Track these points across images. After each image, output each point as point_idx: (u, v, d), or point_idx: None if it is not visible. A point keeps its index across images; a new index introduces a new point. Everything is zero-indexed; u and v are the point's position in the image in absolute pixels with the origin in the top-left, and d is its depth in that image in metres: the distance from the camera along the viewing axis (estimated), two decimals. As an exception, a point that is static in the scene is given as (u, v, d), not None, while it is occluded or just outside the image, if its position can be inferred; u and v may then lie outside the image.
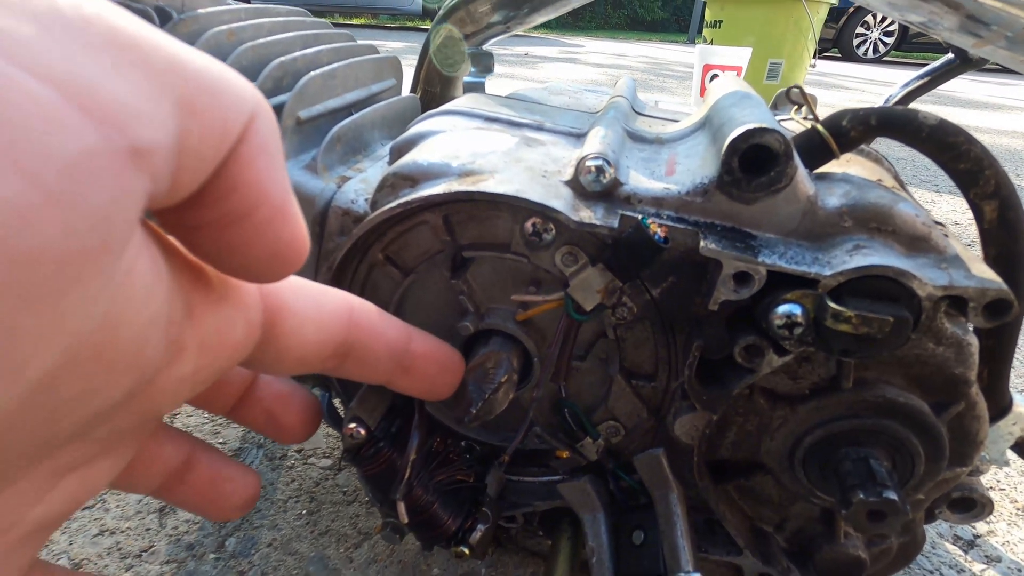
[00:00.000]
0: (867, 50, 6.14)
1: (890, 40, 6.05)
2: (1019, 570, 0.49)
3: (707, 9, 2.50)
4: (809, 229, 0.29)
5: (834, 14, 5.80)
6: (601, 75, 3.79)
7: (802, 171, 0.28)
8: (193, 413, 0.62)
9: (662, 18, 10.59)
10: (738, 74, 1.72)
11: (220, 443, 0.59)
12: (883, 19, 5.90)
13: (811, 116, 0.34)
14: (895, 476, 0.30)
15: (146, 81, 0.11)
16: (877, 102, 0.61)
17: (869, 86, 4.02)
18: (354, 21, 7.71)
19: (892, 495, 0.27)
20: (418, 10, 6.55)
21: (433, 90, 0.65)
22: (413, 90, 0.67)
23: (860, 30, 6.04)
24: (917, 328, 0.27)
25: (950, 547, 0.51)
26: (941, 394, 0.30)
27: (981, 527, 0.53)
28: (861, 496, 0.28)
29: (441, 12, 0.61)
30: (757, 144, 0.27)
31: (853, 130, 0.29)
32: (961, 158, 0.27)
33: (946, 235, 0.28)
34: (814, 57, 2.36)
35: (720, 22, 2.42)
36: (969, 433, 0.30)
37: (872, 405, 0.30)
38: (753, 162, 0.28)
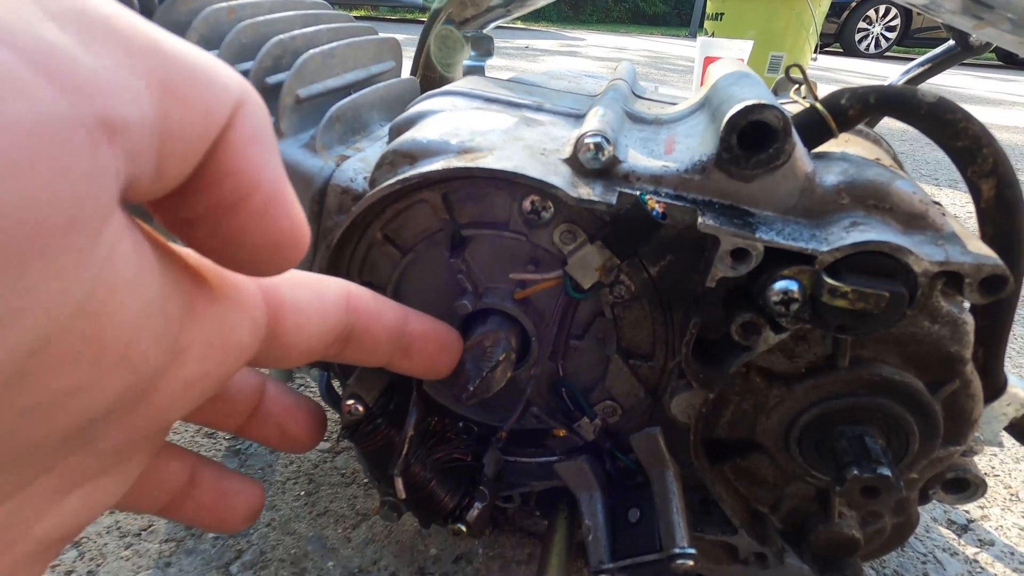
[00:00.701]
0: (869, 45, 6.12)
1: (892, 35, 6.04)
2: (1011, 553, 0.49)
3: (708, 2, 2.49)
4: (807, 206, 0.29)
5: (836, 8, 5.78)
6: (602, 68, 3.78)
7: (800, 148, 0.28)
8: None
9: (663, 11, 10.55)
10: (739, 66, 1.71)
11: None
12: (885, 14, 5.87)
13: (810, 96, 0.34)
14: (890, 453, 0.30)
15: (120, 56, 0.11)
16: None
17: (871, 81, 4.01)
18: (354, 13, 7.67)
19: (886, 471, 0.28)
20: (418, 2, 6.52)
21: (432, 75, 0.64)
22: (412, 74, 0.67)
23: (862, 25, 6.03)
24: (913, 305, 0.27)
25: (944, 531, 0.52)
26: (936, 372, 0.30)
27: (975, 512, 0.54)
28: (856, 472, 0.28)
29: (442, -4, 0.61)
30: (756, 120, 0.27)
31: (851, 108, 0.29)
32: (959, 135, 0.27)
33: (943, 213, 0.29)
34: (815, 51, 2.36)
35: (721, 15, 2.41)
36: (963, 411, 0.31)
37: (868, 383, 0.30)
38: (752, 139, 0.28)
